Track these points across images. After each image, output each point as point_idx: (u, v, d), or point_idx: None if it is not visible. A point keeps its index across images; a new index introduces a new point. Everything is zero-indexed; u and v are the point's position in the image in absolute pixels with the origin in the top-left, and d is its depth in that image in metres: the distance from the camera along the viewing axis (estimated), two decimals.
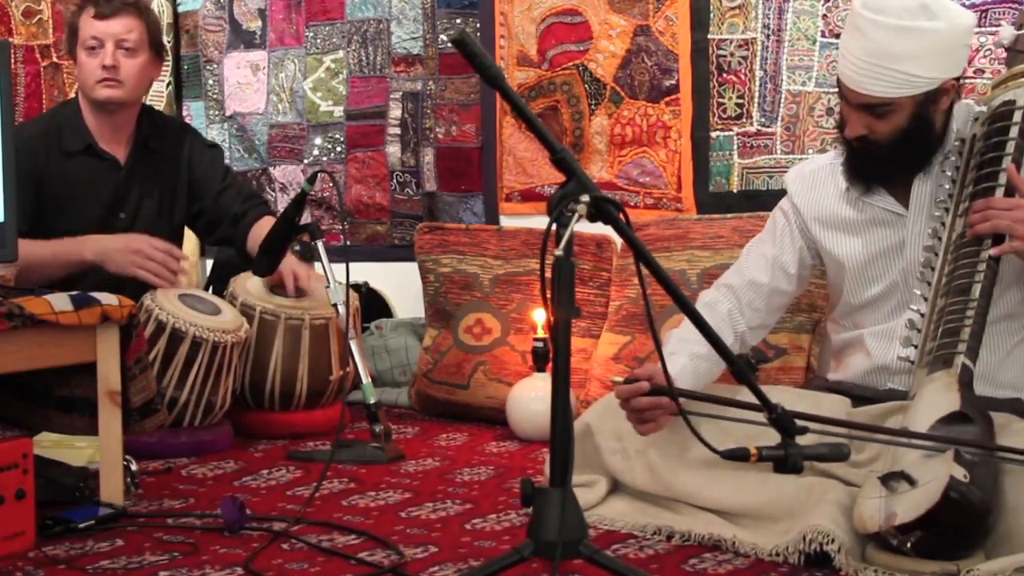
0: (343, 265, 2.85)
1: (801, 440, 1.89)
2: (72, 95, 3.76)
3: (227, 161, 4.17)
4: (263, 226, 3.23)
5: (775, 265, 2.48)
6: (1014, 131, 2.22)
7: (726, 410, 2.16)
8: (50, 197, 3.06)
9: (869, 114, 2.26)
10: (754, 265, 2.50)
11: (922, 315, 2.24)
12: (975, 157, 2.27)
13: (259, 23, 4.15)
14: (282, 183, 4.14)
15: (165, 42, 3.56)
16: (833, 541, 1.97)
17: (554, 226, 1.70)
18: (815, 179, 2.48)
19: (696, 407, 2.15)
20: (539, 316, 3.22)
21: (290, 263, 3.15)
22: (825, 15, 3.24)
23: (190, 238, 4.18)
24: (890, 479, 1.95)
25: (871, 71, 2.21)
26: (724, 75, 3.39)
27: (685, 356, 2.31)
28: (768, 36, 3.33)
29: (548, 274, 1.70)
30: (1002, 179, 2.19)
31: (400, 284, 3.87)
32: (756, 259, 2.51)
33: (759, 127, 3.36)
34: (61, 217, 3.09)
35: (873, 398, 2.32)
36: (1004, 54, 2.43)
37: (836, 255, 2.44)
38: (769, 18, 3.32)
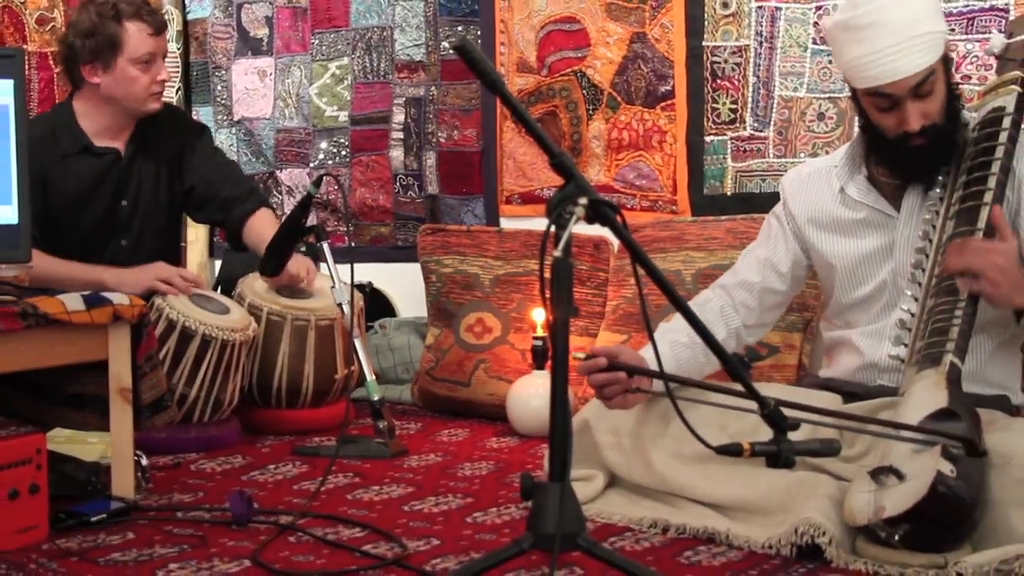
0: (348, 266, 2.87)
1: (793, 435, 1.91)
2: None
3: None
4: (260, 219, 3.25)
5: (766, 265, 2.52)
6: (1003, 136, 2.23)
7: (705, 394, 2.17)
8: (55, 198, 3.08)
9: (919, 99, 2.22)
10: (747, 267, 2.55)
11: (912, 315, 2.26)
12: (966, 162, 2.27)
13: (266, 31, 4.16)
14: (288, 186, 4.15)
15: None
16: (824, 534, 1.98)
17: (553, 228, 1.70)
18: (811, 181, 2.51)
19: (682, 392, 2.15)
20: (538, 315, 3.22)
21: (295, 262, 3.16)
22: (816, 23, 3.24)
23: (200, 242, 4.22)
24: (879, 473, 1.97)
25: (902, 50, 2.17)
26: (718, 81, 3.40)
27: (665, 344, 2.31)
28: (761, 43, 3.33)
29: (547, 274, 1.69)
30: (991, 183, 2.20)
31: (403, 284, 3.88)
32: (749, 262, 2.56)
33: (752, 131, 3.36)
34: (68, 215, 3.11)
35: (863, 395, 2.34)
36: (992, 61, 2.44)
37: (826, 256, 2.47)
38: (762, 25, 3.32)
